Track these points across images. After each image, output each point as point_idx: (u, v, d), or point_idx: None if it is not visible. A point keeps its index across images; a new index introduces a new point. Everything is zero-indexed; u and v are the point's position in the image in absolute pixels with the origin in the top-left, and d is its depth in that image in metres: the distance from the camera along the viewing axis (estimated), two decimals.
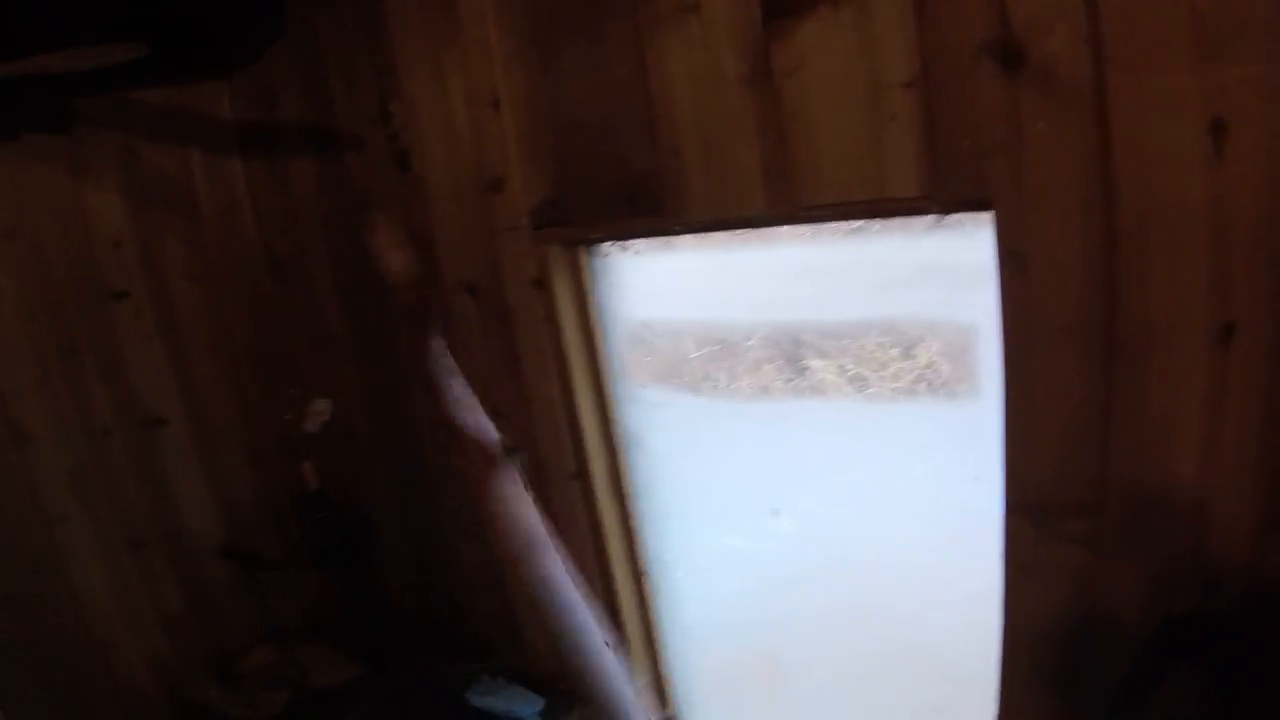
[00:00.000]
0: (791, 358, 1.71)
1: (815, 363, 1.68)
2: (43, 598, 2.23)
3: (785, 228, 1.56)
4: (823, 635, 1.81)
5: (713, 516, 1.93)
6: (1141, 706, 1.16)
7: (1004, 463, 1.32)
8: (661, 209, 1.58)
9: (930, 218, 1.38)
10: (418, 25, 1.88)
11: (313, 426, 2.40)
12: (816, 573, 1.80)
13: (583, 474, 1.92)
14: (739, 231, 1.61)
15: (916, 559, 1.62)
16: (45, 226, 2.22)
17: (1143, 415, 1.15)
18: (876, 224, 1.47)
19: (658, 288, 1.81)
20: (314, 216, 2.35)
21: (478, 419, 1.64)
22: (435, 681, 2.32)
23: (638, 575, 2.01)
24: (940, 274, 1.47)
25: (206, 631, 2.50)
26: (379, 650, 2.44)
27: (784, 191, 1.42)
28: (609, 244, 1.81)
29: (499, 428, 2.05)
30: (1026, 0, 1.11)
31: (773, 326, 1.73)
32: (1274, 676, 1.08)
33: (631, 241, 1.79)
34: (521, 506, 1.59)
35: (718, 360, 1.81)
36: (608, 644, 1.62)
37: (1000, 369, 1.29)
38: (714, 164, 1.49)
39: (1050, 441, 1.25)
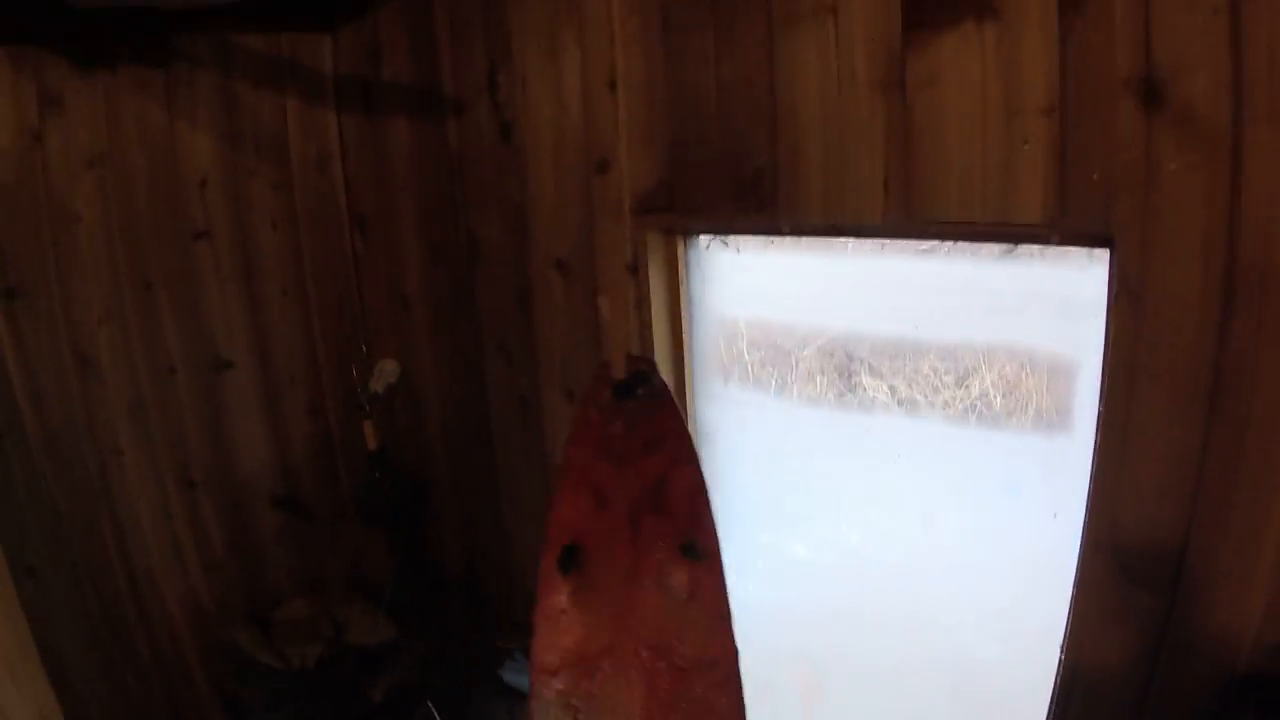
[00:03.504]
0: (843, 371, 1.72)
1: (868, 380, 1.68)
2: (86, 526, 2.23)
3: (900, 240, 1.55)
4: (871, 650, 1.79)
5: (775, 521, 1.91)
6: None
7: (1090, 500, 1.30)
8: (774, 208, 1.57)
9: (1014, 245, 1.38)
10: None
11: (378, 386, 2.40)
12: (875, 588, 1.78)
13: None
14: (852, 240, 1.60)
15: (981, 588, 1.60)
16: (133, 159, 2.21)
17: (1236, 470, 1.13)
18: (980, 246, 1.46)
19: (753, 285, 1.79)
20: (405, 177, 2.34)
21: None
22: (471, 653, 2.33)
23: None
24: (1042, 303, 1.45)
25: (246, 577, 2.50)
26: (418, 616, 2.45)
27: (904, 204, 1.40)
28: (708, 237, 1.81)
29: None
30: (1172, 41, 1.10)
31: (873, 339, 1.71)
32: None
33: (732, 237, 1.78)
34: None
35: (815, 363, 1.79)
36: None
37: (1098, 406, 1.27)
38: (833, 168, 1.48)
39: (1141, 484, 1.24)
